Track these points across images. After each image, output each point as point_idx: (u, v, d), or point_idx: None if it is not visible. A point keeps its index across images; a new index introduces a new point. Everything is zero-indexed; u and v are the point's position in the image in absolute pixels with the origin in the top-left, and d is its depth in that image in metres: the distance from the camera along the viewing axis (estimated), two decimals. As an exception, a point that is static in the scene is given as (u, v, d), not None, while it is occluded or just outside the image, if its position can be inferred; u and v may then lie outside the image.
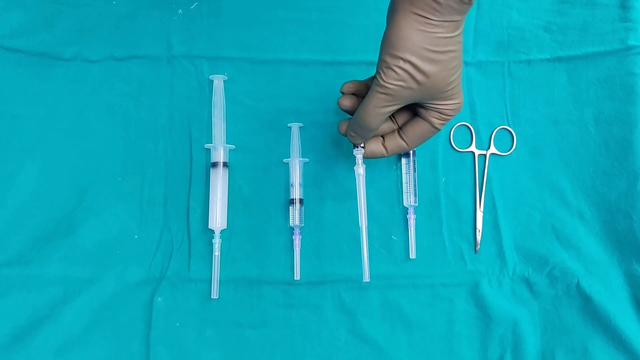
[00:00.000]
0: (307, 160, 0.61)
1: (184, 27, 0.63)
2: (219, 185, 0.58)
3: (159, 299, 0.58)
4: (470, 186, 0.62)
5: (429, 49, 0.43)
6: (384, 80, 0.44)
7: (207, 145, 0.59)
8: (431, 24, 0.42)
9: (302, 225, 0.59)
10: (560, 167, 0.62)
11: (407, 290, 0.60)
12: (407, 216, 0.60)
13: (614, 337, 0.57)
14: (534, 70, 0.63)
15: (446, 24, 0.42)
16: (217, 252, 0.57)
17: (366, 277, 0.52)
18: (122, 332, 0.57)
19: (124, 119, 0.61)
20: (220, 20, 0.63)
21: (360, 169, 0.53)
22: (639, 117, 0.60)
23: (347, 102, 0.51)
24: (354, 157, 0.52)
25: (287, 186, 0.60)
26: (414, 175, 0.60)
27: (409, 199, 0.60)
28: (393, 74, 0.44)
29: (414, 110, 0.50)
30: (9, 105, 0.60)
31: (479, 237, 0.61)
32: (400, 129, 0.52)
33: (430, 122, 0.49)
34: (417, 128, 0.50)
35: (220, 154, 0.59)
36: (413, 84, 0.44)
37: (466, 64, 0.63)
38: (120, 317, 0.58)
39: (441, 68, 0.44)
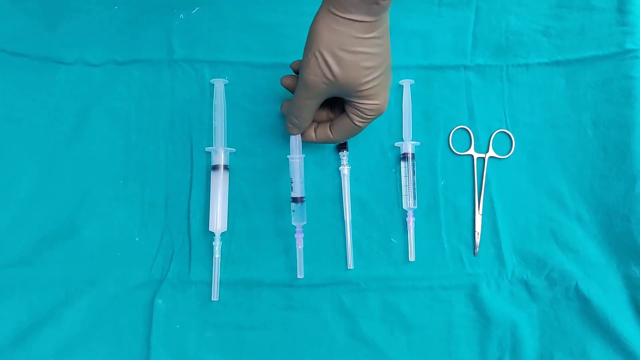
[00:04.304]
0: (303, 156, 0.60)
1: (185, 32, 0.63)
2: (220, 188, 0.59)
3: (160, 301, 0.58)
4: (469, 189, 0.62)
5: (338, 46, 0.44)
6: (303, 72, 0.47)
7: (207, 149, 0.60)
8: (340, 22, 0.44)
9: (305, 223, 0.59)
10: (559, 171, 0.62)
11: (406, 292, 0.60)
12: (407, 219, 0.60)
13: (613, 339, 0.57)
14: (532, 74, 0.63)
15: (356, 24, 0.44)
16: (217, 255, 0.58)
17: (350, 265, 0.59)
18: (123, 334, 0.58)
19: (126, 122, 0.62)
20: (221, 25, 0.63)
21: (345, 170, 0.60)
22: (637, 121, 0.60)
23: (287, 80, 0.55)
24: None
25: (288, 189, 0.61)
26: (413, 178, 0.60)
27: (408, 202, 0.60)
28: (308, 67, 0.46)
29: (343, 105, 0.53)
30: (11, 109, 0.61)
31: (477, 240, 0.61)
32: (332, 121, 0.55)
33: (351, 119, 0.51)
34: (342, 123, 0.53)
35: (220, 157, 0.59)
36: (325, 79, 0.46)
37: (465, 67, 0.63)
38: (120, 319, 0.58)
39: (351, 67, 0.45)
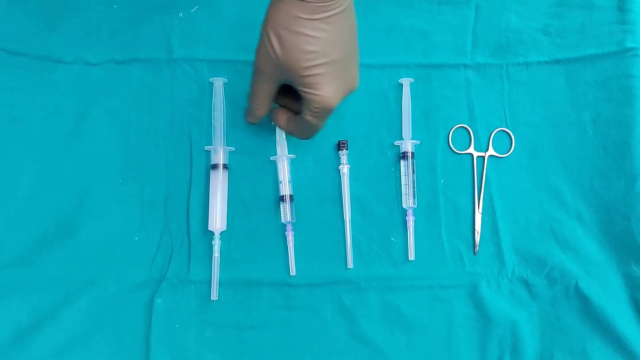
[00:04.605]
0: (293, 156, 0.61)
1: (185, 31, 0.63)
2: (219, 187, 0.58)
3: (159, 301, 0.58)
4: (469, 188, 0.62)
5: (282, 25, 0.45)
6: (255, 55, 0.48)
7: (207, 147, 0.60)
8: (285, 1, 0.44)
9: (294, 221, 0.59)
10: (559, 169, 0.62)
11: (406, 291, 0.60)
12: (406, 218, 0.60)
13: (613, 338, 0.57)
14: (532, 73, 0.63)
15: (299, 3, 0.44)
16: (216, 254, 0.58)
17: (350, 264, 0.59)
18: (122, 333, 0.58)
19: (125, 121, 0.61)
20: (220, 24, 0.63)
21: (344, 169, 0.59)
22: (637, 119, 0.60)
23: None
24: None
25: (287, 188, 0.61)
26: (412, 177, 0.60)
27: (407, 201, 0.60)
28: (257, 48, 0.47)
29: None
30: (11, 108, 0.61)
31: (477, 239, 0.61)
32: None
33: (302, 112, 0.51)
34: (299, 117, 0.53)
35: (220, 156, 0.59)
36: (270, 59, 0.46)
37: (465, 66, 0.63)
38: (120, 318, 0.58)
39: (292, 48, 0.45)
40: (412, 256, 0.60)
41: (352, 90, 0.51)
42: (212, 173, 0.59)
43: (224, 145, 0.60)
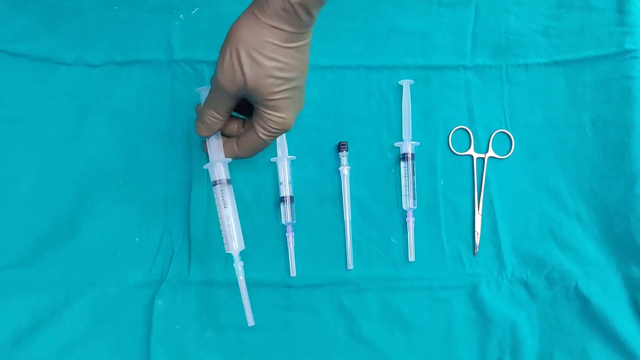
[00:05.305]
0: (293, 157, 0.61)
1: (185, 32, 0.63)
2: (230, 204, 0.54)
3: (159, 302, 0.58)
4: (469, 189, 0.62)
5: (255, 49, 0.44)
6: (217, 71, 0.46)
7: (205, 166, 0.55)
8: (262, 26, 0.43)
9: (294, 222, 0.59)
10: (558, 170, 0.62)
11: (406, 292, 0.60)
12: (406, 219, 0.60)
13: (612, 339, 0.57)
14: (532, 74, 0.63)
15: (277, 31, 0.43)
16: (241, 277, 0.53)
17: (350, 265, 0.59)
18: (123, 334, 0.58)
19: (125, 123, 0.62)
20: (220, 25, 0.63)
21: (344, 170, 0.60)
22: (636, 121, 0.60)
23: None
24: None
25: (287, 189, 0.61)
26: (412, 178, 0.60)
27: (407, 202, 0.60)
28: (222, 65, 0.45)
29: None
30: (11, 109, 0.61)
31: (477, 240, 0.61)
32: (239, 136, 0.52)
33: (257, 131, 0.49)
34: (247, 136, 0.51)
35: (221, 172, 0.54)
36: (235, 78, 0.45)
37: (464, 68, 0.63)
38: (120, 319, 0.58)
39: (263, 72, 0.45)
40: (412, 257, 0.60)
41: (301, 110, 0.51)
42: (216, 190, 0.54)
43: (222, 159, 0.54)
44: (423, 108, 0.63)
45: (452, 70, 0.63)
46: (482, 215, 0.61)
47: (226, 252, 0.54)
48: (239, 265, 0.53)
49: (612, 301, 0.58)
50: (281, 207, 0.59)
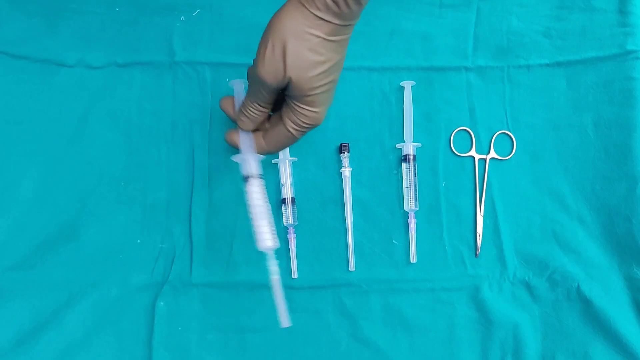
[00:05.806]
0: (295, 159, 0.61)
1: (186, 34, 0.63)
2: (263, 200, 0.51)
3: (161, 304, 0.58)
4: (471, 190, 0.62)
5: (297, 40, 0.42)
6: (258, 62, 0.44)
7: (235, 159, 0.53)
8: (307, 17, 0.42)
9: (296, 224, 0.59)
10: (560, 172, 0.62)
11: (408, 294, 0.60)
12: (408, 220, 0.60)
13: (615, 341, 0.57)
14: (534, 75, 0.63)
15: (323, 23, 0.42)
16: (276, 275, 0.50)
17: (351, 267, 0.59)
18: (125, 336, 0.58)
19: (127, 124, 0.62)
20: (222, 27, 0.63)
21: (346, 171, 0.60)
22: (638, 122, 0.60)
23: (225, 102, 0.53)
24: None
25: (289, 191, 0.61)
26: (414, 179, 0.60)
27: (409, 204, 0.60)
28: (262, 56, 0.43)
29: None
30: (13, 111, 0.61)
31: (479, 241, 0.61)
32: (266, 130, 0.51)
33: (286, 126, 0.48)
34: (276, 131, 0.49)
35: (255, 167, 0.52)
36: (276, 70, 0.43)
37: (466, 69, 0.63)
38: (122, 321, 0.58)
39: (305, 67, 0.43)
40: (413, 259, 0.60)
41: (330, 106, 0.49)
42: (248, 185, 0.52)
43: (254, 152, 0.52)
44: (425, 109, 0.63)
45: (453, 71, 0.63)
46: (484, 216, 0.61)
47: (259, 250, 0.50)
48: (274, 264, 0.50)
49: (614, 303, 0.58)
50: (283, 208, 0.60)
